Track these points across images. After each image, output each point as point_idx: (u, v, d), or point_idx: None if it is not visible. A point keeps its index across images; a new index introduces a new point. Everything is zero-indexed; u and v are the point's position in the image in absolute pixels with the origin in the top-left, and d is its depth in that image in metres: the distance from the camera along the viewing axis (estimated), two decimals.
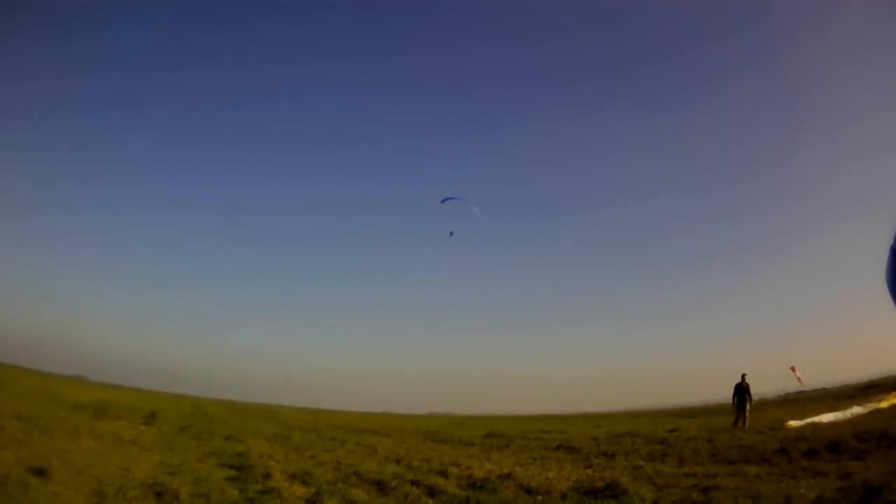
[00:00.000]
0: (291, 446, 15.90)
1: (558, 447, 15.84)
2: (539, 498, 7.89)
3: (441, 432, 24.80)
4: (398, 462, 12.57)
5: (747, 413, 18.79)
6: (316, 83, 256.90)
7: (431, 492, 8.43)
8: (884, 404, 19.33)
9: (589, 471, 10.53)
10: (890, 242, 4.13)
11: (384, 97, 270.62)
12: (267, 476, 9.57)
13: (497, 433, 22.42)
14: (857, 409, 18.74)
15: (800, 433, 13.87)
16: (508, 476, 9.39)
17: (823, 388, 44.22)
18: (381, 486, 8.96)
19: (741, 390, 19.23)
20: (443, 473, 10.28)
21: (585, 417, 45.47)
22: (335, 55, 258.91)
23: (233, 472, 10.25)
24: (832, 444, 10.87)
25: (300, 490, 8.47)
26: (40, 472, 7.76)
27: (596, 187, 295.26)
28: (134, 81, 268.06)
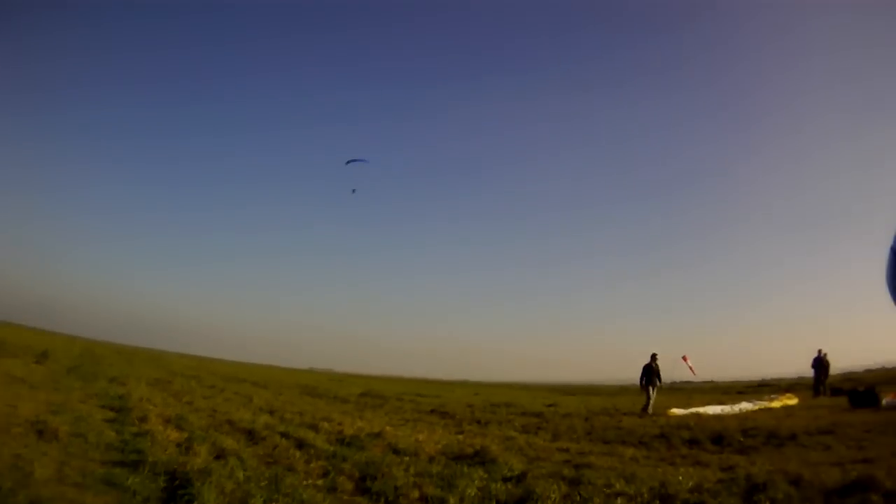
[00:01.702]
0: (171, 392, 16.11)
1: (432, 411, 16.49)
2: (406, 459, 7.84)
3: (319, 388, 25.68)
4: (272, 413, 12.84)
5: (653, 397, 17.45)
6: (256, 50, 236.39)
7: (300, 444, 8.53)
8: (775, 404, 18.88)
9: (460, 437, 10.67)
10: (890, 243, 4.12)
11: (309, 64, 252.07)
12: (143, 419, 9.70)
13: (373, 392, 23.29)
14: (745, 405, 18.48)
15: (682, 421, 13.77)
16: (378, 435, 9.52)
17: (712, 381, 44.09)
18: (251, 436, 9.12)
19: (650, 372, 17.73)
20: (314, 427, 10.46)
21: (464, 385, 46.85)
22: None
23: (112, 414, 10.40)
24: (716, 436, 10.73)
25: (173, 434, 8.57)
26: None
27: (500, 146, 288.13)
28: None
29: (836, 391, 21.53)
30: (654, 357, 17.91)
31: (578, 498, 5.75)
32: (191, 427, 9.42)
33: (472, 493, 5.92)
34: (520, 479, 6.72)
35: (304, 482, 6.08)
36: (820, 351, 22.81)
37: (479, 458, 7.95)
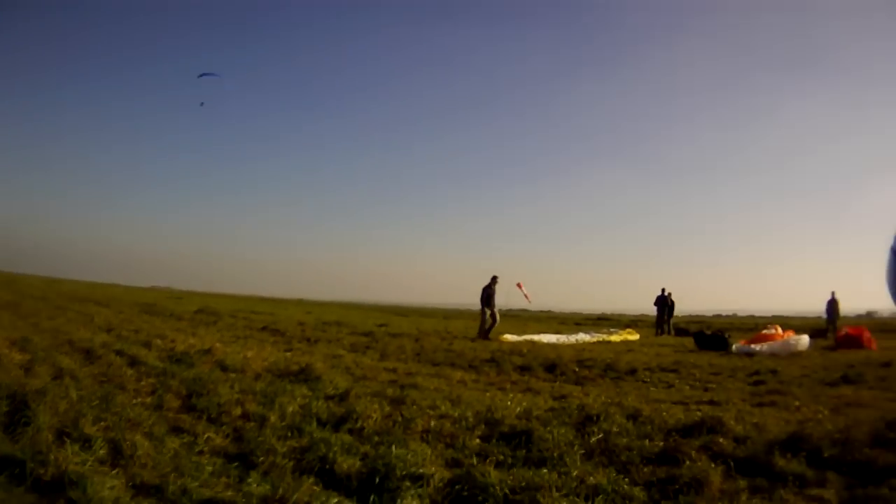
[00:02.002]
0: (19, 314, 16.15)
1: (263, 328, 16.75)
2: (233, 376, 7.71)
3: (157, 305, 25.28)
4: (110, 332, 12.84)
5: (493, 320, 17.04)
6: None
7: (133, 362, 8.47)
8: (615, 338, 18.36)
9: (288, 354, 10.57)
10: (890, 243, 4.09)
11: None
12: None
13: (209, 310, 22.99)
14: (583, 336, 17.95)
15: (515, 348, 13.41)
16: (208, 352, 9.42)
17: (549, 311, 44.58)
18: (88, 355, 9.06)
19: (488, 295, 17.14)
20: (147, 345, 10.44)
21: (299, 303, 46.02)
22: None
23: None
24: (550, 364, 10.47)
25: (17, 357, 8.45)
26: None
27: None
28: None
29: (680, 331, 21.33)
30: (493, 279, 17.44)
31: (400, 418, 5.67)
32: (34, 348, 9.38)
33: (293, 411, 5.88)
34: (343, 397, 6.67)
35: (134, 400, 6.10)
36: (664, 290, 22.52)
37: (304, 376, 7.84)
